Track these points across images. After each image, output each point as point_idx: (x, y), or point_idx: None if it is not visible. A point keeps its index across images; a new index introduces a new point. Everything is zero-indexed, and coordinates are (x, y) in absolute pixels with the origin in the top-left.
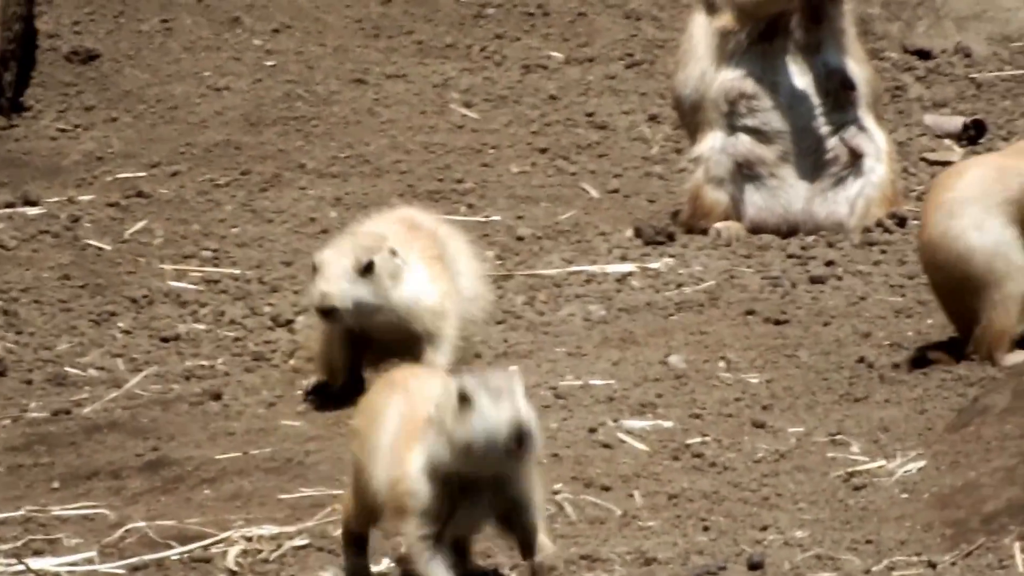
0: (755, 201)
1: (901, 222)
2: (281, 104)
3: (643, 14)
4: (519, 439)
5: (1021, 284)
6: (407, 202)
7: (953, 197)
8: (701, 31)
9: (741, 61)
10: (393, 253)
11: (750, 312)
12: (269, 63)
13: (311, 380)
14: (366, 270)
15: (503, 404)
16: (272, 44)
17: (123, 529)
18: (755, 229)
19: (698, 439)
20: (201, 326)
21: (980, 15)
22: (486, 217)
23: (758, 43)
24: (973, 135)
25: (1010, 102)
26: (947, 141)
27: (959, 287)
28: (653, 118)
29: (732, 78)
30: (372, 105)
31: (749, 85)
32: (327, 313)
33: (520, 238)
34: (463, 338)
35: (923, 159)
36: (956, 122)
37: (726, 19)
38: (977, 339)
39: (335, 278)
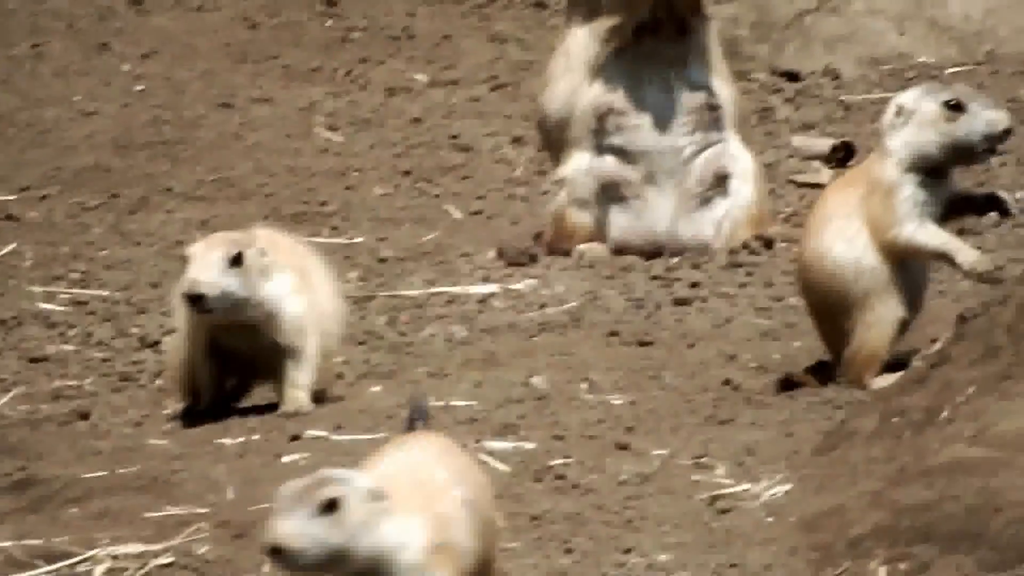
0: (619, 222)
1: (768, 244)
2: (149, 128)
3: (508, 36)
4: None
5: (893, 307)
6: (272, 224)
7: (829, 215)
8: (577, 43)
9: (612, 74)
10: (263, 253)
11: (614, 333)
12: (138, 88)
13: (177, 406)
14: (235, 261)
15: None
16: (141, 69)
17: None
18: (619, 250)
19: (561, 461)
20: (70, 347)
21: (849, 37)
22: (349, 239)
23: (632, 53)
24: (841, 157)
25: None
26: (815, 163)
27: (832, 308)
28: (517, 140)
29: (602, 91)
30: (238, 129)
31: (618, 99)
32: (195, 300)
33: (383, 259)
34: (323, 356)
35: (791, 181)
36: (824, 144)
37: (612, 18)
38: (847, 361)
39: (205, 267)
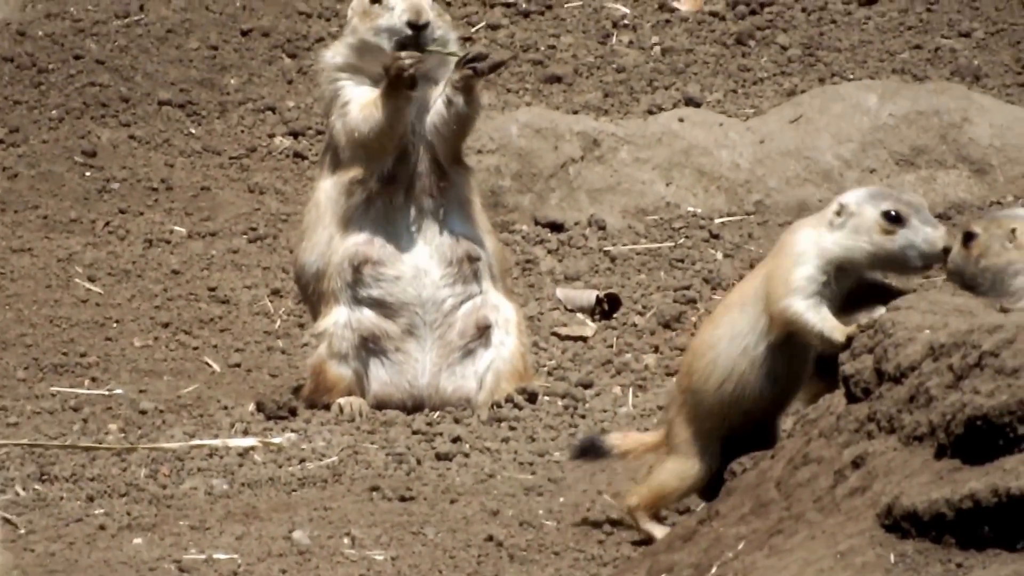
0: (380, 376)
1: (532, 397)
2: None
3: (266, 188)
4: None
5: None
6: (32, 375)
7: (729, 303)
8: (326, 195)
9: (366, 224)
10: None
11: (375, 488)
12: None
13: None
14: None
15: None
16: None
17: None
18: (380, 404)
19: None
20: None
21: (614, 188)
22: (109, 390)
23: (383, 203)
24: (606, 309)
25: (644, 276)
26: (580, 315)
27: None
28: (276, 292)
29: (358, 242)
30: None
31: (375, 251)
32: None
33: (143, 411)
34: None
35: (554, 333)
36: (589, 296)
37: (353, 170)
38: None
39: None
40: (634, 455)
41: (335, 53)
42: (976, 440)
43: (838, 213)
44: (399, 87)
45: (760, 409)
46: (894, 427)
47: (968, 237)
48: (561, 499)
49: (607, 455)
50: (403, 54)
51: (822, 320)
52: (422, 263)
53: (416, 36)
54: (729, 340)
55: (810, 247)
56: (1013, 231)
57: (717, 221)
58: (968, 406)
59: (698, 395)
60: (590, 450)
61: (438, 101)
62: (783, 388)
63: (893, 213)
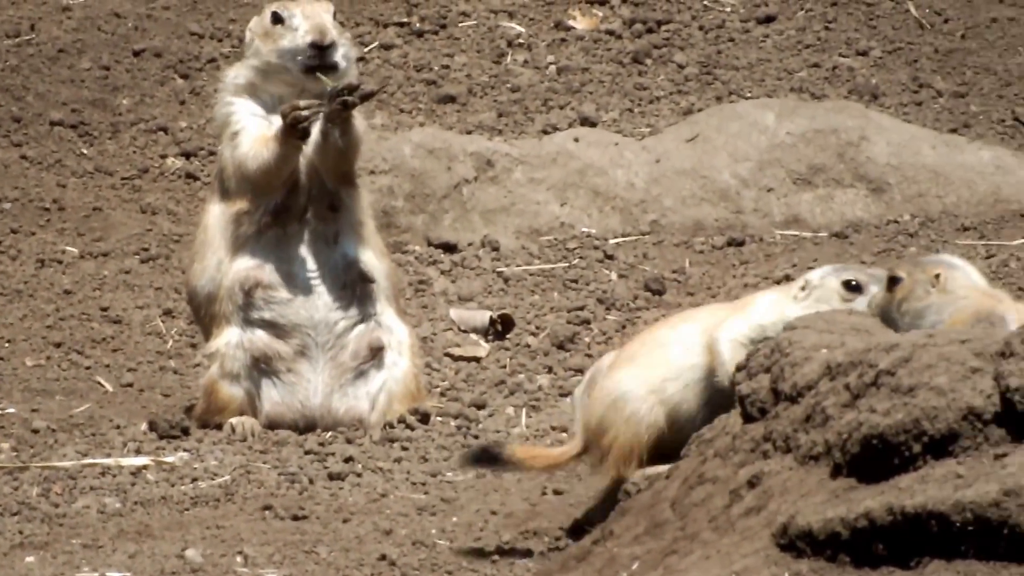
0: (272, 396)
1: (424, 418)
2: None
3: (159, 208)
4: None
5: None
6: None
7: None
8: (215, 220)
9: (257, 250)
10: None
11: (267, 507)
12: None
13: None
14: None
15: None
16: None
17: None
18: (272, 424)
19: None
20: None
21: (508, 208)
22: (2, 409)
23: (275, 232)
24: (500, 330)
25: (538, 296)
26: (473, 336)
27: None
28: (168, 312)
29: (248, 267)
30: None
31: (265, 275)
32: None
33: (35, 430)
34: None
35: (447, 354)
36: (483, 316)
37: (240, 202)
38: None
39: None
40: (532, 466)
41: (237, 74)
42: (872, 459)
43: (803, 288)
44: (291, 135)
45: None
46: (790, 447)
47: (892, 281)
48: (454, 519)
49: (502, 463)
50: (302, 103)
51: (733, 361)
52: (314, 285)
53: (320, 56)
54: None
55: (772, 309)
56: (937, 276)
57: (612, 241)
58: (864, 425)
59: None
60: (483, 457)
61: (317, 133)
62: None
63: (853, 282)
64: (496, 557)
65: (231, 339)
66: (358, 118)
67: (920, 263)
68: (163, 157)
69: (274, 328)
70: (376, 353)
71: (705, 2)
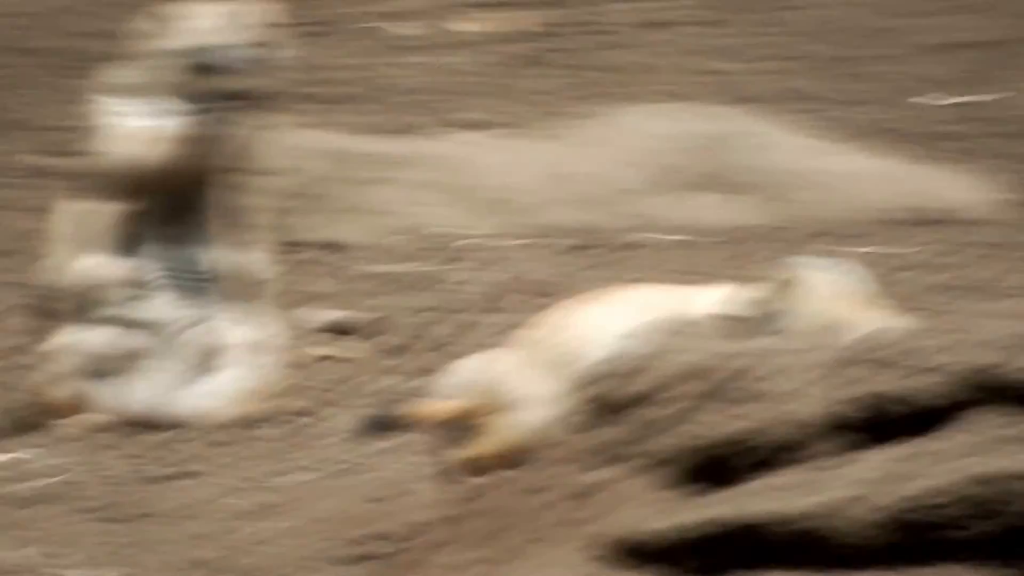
0: (110, 394)
1: (266, 419)
2: None
3: (7, 204)
4: None
5: None
6: None
7: None
8: (65, 216)
9: (106, 247)
10: None
11: (101, 508)
12: None
13: None
14: None
15: None
16: None
17: None
18: (108, 424)
19: None
20: None
21: (394, 211)
22: None
23: (124, 230)
24: (348, 329)
25: (412, 296)
26: (329, 335)
27: None
28: (9, 309)
29: (90, 265)
30: None
31: (108, 272)
32: None
33: None
34: None
35: (302, 354)
36: (333, 316)
37: (100, 197)
38: None
39: None
40: (431, 422)
41: (124, 74)
42: (708, 469)
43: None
44: (166, 134)
45: None
46: (625, 456)
47: (764, 286)
48: (285, 524)
49: (397, 427)
50: (185, 103)
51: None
52: (159, 282)
53: (218, 56)
54: None
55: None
56: (793, 282)
57: (500, 244)
58: (701, 435)
59: None
60: (375, 425)
61: (202, 133)
62: None
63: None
64: (323, 564)
65: (69, 338)
66: (237, 117)
67: (783, 267)
68: (17, 153)
69: (115, 326)
70: (220, 353)
71: (597, 7)
